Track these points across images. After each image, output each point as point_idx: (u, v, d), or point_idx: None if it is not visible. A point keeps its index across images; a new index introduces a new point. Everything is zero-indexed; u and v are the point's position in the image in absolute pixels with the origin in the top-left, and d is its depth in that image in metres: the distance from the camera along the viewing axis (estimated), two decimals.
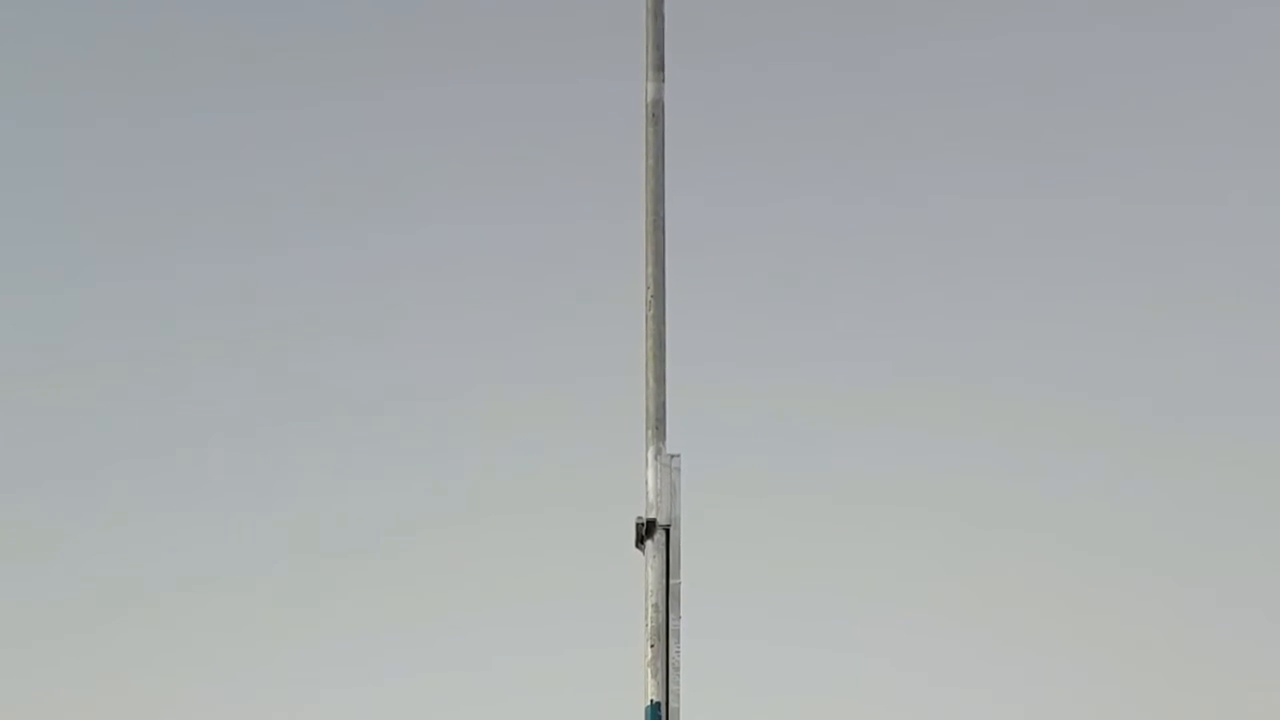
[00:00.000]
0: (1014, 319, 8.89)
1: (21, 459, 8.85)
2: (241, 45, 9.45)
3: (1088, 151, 9.09)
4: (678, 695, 4.73)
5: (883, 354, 8.88)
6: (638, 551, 4.83)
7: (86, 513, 8.73)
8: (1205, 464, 8.62)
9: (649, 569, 4.79)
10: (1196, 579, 8.34)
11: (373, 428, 8.88)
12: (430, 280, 9.17)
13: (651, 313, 4.94)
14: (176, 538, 8.70)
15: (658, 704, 4.71)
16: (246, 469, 8.85)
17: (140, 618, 8.53)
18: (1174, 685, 8.01)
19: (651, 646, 4.73)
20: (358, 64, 9.39)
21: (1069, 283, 8.90)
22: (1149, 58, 9.14)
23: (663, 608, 4.76)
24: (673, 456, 4.85)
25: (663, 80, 5.09)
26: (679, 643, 4.76)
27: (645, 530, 4.80)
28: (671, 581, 4.78)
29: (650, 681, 4.72)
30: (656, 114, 5.06)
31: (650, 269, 4.97)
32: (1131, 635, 8.16)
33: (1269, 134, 8.96)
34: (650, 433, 4.87)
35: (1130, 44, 9.14)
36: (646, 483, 4.84)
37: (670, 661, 4.73)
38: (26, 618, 8.50)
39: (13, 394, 8.94)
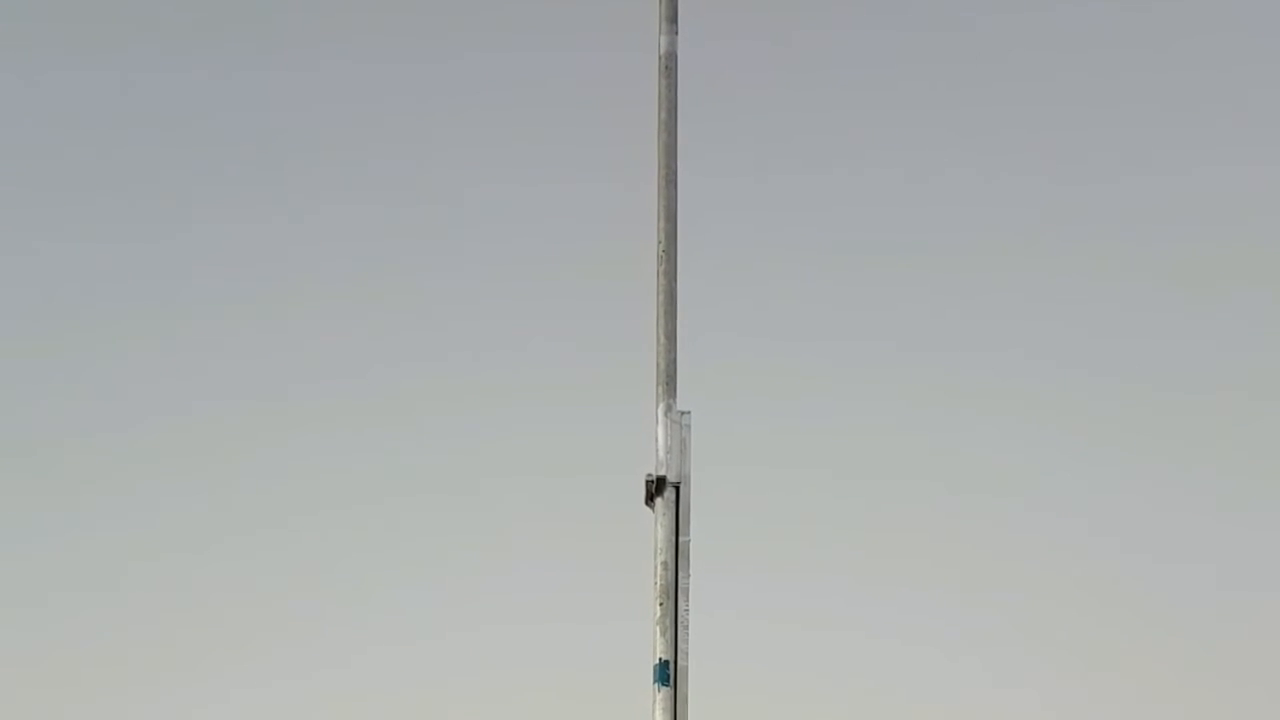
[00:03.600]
0: (1029, 298, 8.85)
1: None
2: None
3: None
4: (686, 653, 4.71)
5: (898, 313, 8.83)
6: (647, 509, 4.81)
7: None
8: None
9: (658, 526, 4.77)
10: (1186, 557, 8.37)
11: (378, 390, 8.86)
12: (434, 236, 9.13)
13: (663, 268, 4.91)
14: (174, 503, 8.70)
15: (666, 662, 4.69)
16: (249, 437, 8.83)
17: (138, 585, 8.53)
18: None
19: (660, 604, 4.72)
20: (358, 16, 9.34)
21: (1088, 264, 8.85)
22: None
23: (672, 565, 4.74)
24: (683, 413, 4.83)
25: (676, 32, 5.06)
26: (688, 600, 4.74)
27: (655, 487, 4.78)
28: (681, 539, 4.76)
29: (659, 639, 4.70)
30: (670, 66, 5.03)
31: (662, 224, 4.94)
32: (1165, 651, 8.16)
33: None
34: (661, 389, 4.84)
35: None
36: (657, 439, 4.82)
37: (679, 619, 4.72)
38: None
39: None
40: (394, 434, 8.73)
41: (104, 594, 8.44)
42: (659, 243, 4.93)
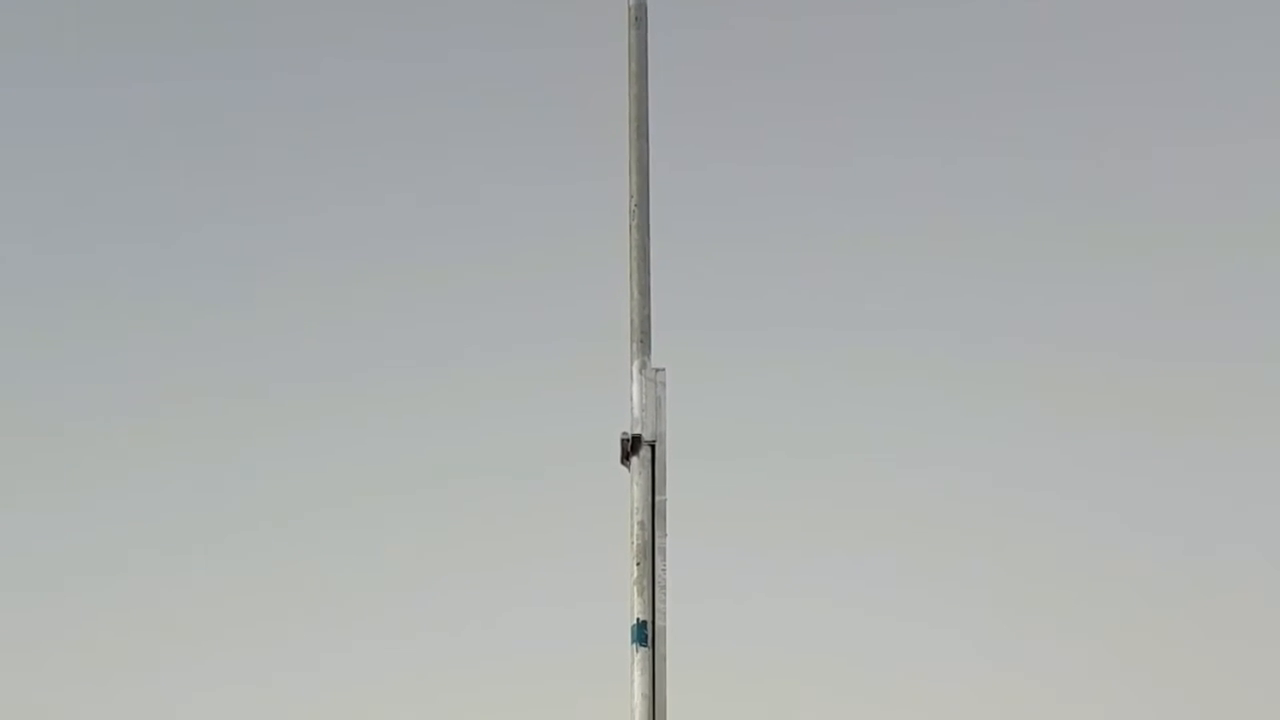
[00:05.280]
0: (1007, 269, 8.84)
1: None
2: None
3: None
4: (664, 613, 4.67)
5: (874, 266, 8.81)
6: (623, 468, 4.75)
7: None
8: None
9: (634, 486, 4.72)
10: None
11: (350, 366, 8.83)
12: (395, 201, 9.09)
13: (635, 222, 4.86)
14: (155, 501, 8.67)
15: (644, 622, 4.64)
16: (227, 435, 8.81)
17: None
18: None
19: (637, 564, 4.67)
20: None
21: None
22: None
23: (648, 525, 4.70)
24: (658, 370, 4.77)
25: None
26: (665, 560, 4.69)
27: (630, 446, 4.73)
28: (657, 498, 4.71)
29: (636, 599, 4.66)
30: (640, 17, 4.98)
31: (634, 177, 4.88)
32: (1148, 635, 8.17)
33: None
34: (635, 346, 4.79)
35: None
36: (631, 397, 4.76)
37: (656, 579, 4.67)
38: None
39: None
40: (362, 412, 8.72)
41: (92, 589, 8.44)
42: (630, 196, 4.87)
